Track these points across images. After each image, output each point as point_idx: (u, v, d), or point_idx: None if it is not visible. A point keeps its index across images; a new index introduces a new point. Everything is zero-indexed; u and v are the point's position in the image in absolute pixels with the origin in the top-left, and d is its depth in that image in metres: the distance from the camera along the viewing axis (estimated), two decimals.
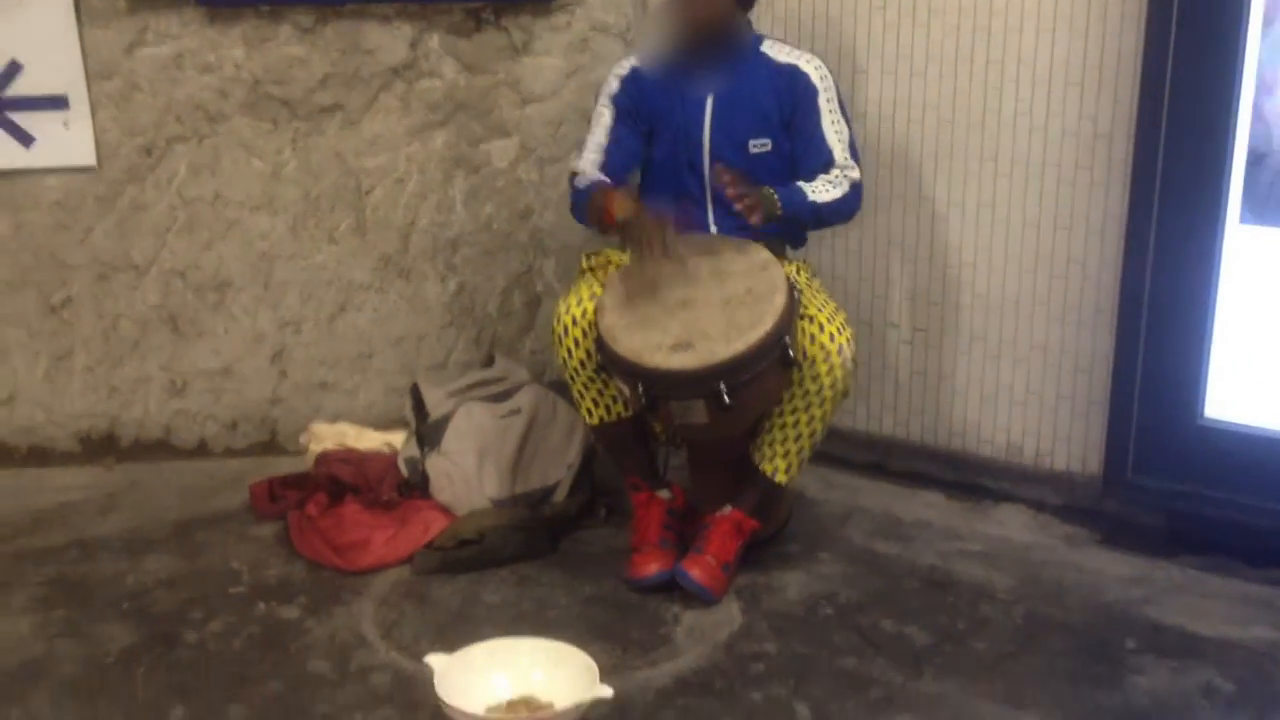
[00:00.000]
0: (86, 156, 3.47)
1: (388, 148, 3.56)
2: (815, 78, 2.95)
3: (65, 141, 3.44)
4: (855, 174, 2.95)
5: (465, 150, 3.59)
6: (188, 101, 3.47)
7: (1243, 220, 2.88)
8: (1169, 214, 2.89)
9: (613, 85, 3.04)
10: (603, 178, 2.96)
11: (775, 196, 2.83)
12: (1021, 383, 3.29)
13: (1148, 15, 2.86)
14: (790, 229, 3.00)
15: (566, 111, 3.57)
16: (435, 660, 2.33)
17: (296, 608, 2.80)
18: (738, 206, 2.74)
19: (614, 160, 2.99)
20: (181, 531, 3.19)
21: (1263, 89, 2.80)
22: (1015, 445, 3.33)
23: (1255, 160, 2.84)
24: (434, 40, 3.50)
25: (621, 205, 2.80)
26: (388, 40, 3.48)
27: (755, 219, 2.75)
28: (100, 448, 3.66)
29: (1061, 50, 3.06)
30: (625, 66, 3.05)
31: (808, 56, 2.99)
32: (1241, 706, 2.41)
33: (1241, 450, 2.88)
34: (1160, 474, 2.99)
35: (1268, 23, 2.76)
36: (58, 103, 3.41)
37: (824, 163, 2.94)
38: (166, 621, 2.75)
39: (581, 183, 2.97)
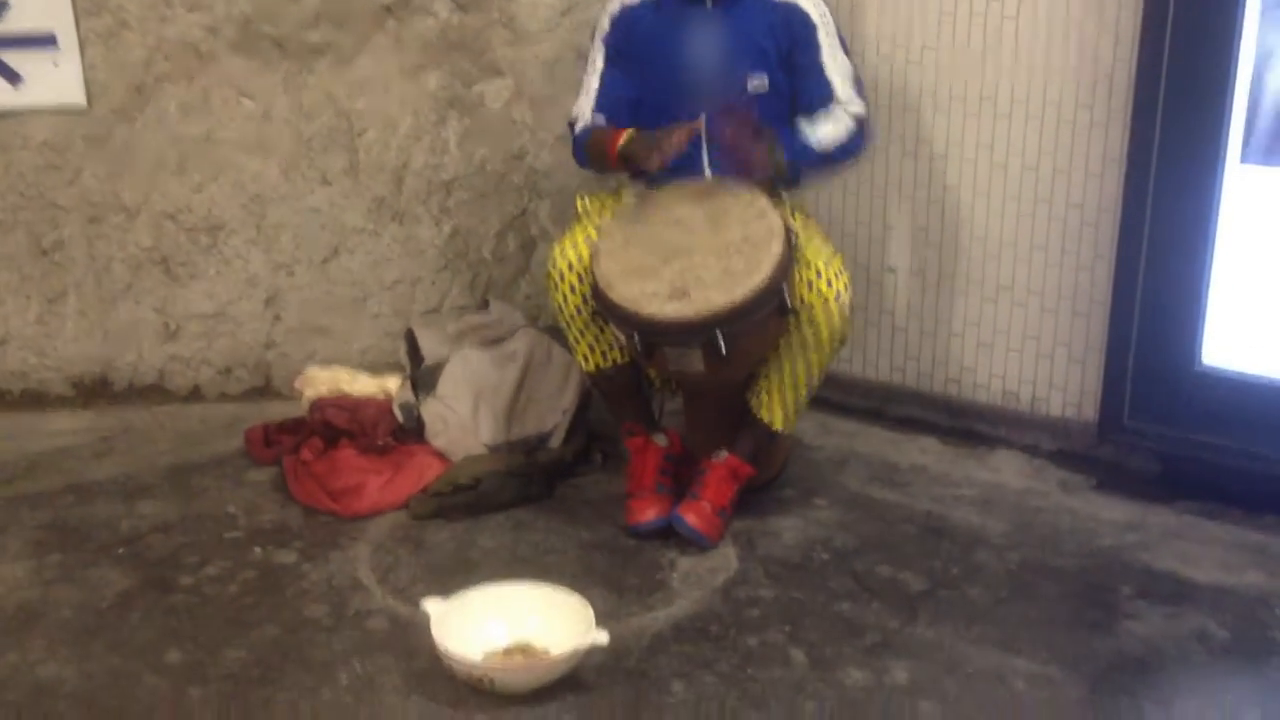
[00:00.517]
0: (76, 95, 3.43)
1: (380, 88, 3.51)
2: (814, 14, 2.91)
3: (54, 80, 3.40)
4: (857, 108, 2.91)
5: (459, 91, 3.54)
6: (178, 40, 3.42)
7: (1243, 160, 2.85)
8: (1169, 155, 2.86)
9: (604, 25, 3.00)
10: (599, 122, 2.94)
11: (778, 146, 2.81)
12: (1019, 327, 3.28)
13: None
14: (793, 175, 2.97)
15: (562, 50, 3.52)
16: (431, 605, 2.34)
17: (292, 552, 2.80)
18: (751, 164, 2.73)
19: (607, 104, 2.96)
20: (176, 476, 3.18)
21: (1267, 27, 2.77)
22: (1011, 391, 3.33)
23: (1255, 101, 2.82)
24: None
25: (626, 135, 2.80)
26: None
27: (758, 174, 2.73)
28: (94, 392, 3.65)
29: None
30: (616, 5, 3.00)
31: None
32: (1235, 653, 2.42)
33: (1237, 397, 2.88)
34: (1156, 420, 2.99)
35: None
36: (46, 41, 3.37)
37: (824, 97, 2.90)
38: (162, 566, 2.75)
39: (579, 128, 2.97)
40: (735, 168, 2.80)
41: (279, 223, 3.57)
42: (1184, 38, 2.78)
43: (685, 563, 2.75)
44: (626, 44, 2.97)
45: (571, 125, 3.00)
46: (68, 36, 3.37)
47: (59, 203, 3.50)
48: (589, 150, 2.94)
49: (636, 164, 2.81)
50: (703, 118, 2.85)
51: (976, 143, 3.23)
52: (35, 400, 3.62)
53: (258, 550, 2.81)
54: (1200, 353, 2.93)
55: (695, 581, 2.68)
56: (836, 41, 2.92)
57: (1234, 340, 2.91)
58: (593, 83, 2.98)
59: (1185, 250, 2.88)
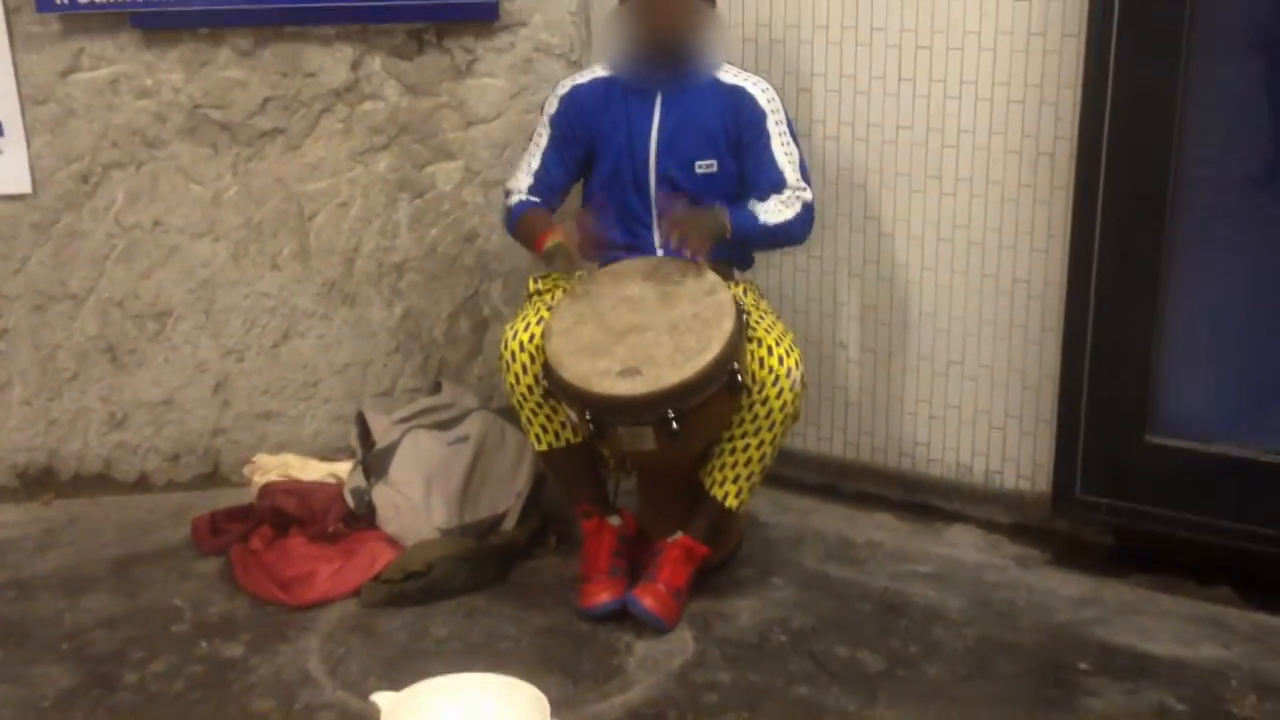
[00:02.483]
0: (21, 184, 3.39)
1: (330, 172, 3.51)
2: (763, 100, 2.95)
3: None
4: (807, 195, 2.95)
5: (409, 173, 3.55)
6: (125, 126, 3.41)
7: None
8: (1112, 232, 2.89)
9: (552, 103, 3.04)
10: (534, 199, 3.01)
11: (724, 216, 2.84)
12: (970, 402, 3.30)
13: (1087, 35, 2.86)
14: (739, 250, 3.00)
15: (511, 133, 3.54)
16: (382, 699, 2.28)
17: (240, 645, 2.75)
18: (674, 244, 2.79)
19: (543, 184, 3.04)
20: (121, 568, 3.12)
21: None
22: (965, 464, 3.33)
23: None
24: (376, 62, 3.46)
25: (552, 238, 2.86)
26: (329, 62, 3.43)
27: (694, 251, 2.77)
28: (38, 482, 3.58)
29: (1003, 69, 3.06)
30: (567, 85, 3.05)
31: (754, 79, 2.99)
32: None
33: (1188, 468, 2.89)
34: (1108, 492, 3.00)
35: None
36: None
37: (775, 183, 2.93)
38: (106, 662, 2.68)
39: (514, 201, 3.04)
40: (682, 247, 2.82)
41: (228, 307, 3.55)
42: (1123, 117, 2.82)
43: (641, 647, 2.72)
44: (573, 124, 3.00)
45: (506, 195, 3.06)
46: (13, 125, 3.35)
47: (4, 291, 3.45)
48: (519, 229, 3.02)
49: (551, 267, 2.91)
50: (648, 203, 2.92)
51: (923, 219, 3.26)
52: None
53: (205, 644, 2.75)
54: (1150, 424, 2.95)
55: (652, 666, 2.65)
56: (786, 128, 2.96)
57: (1184, 411, 2.93)
58: (533, 161, 3.04)
59: (1131, 323, 2.91)
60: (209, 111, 3.42)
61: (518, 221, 3.01)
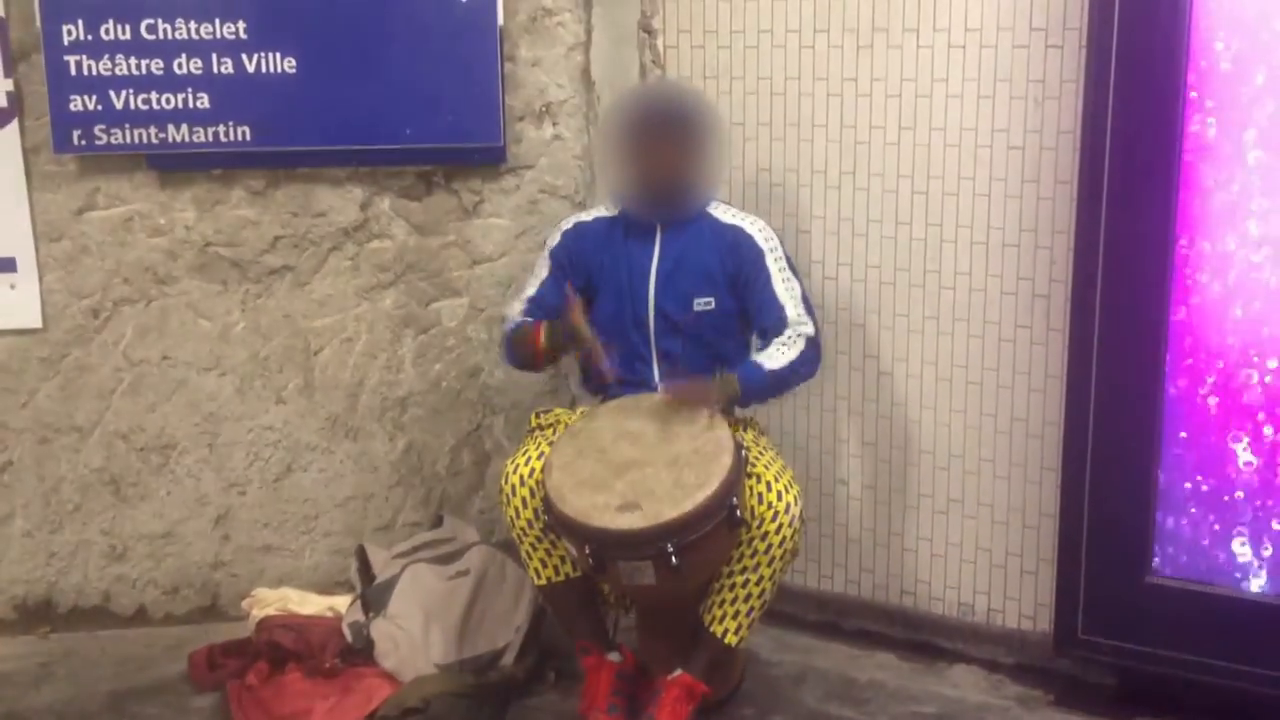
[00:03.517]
0: (32, 319, 3.45)
1: (337, 308, 3.57)
2: (760, 239, 3.01)
3: (10, 303, 3.42)
4: (809, 329, 2.97)
5: (415, 310, 3.60)
6: (137, 263, 3.48)
7: None
8: (1108, 372, 2.92)
9: (555, 238, 3.11)
10: (526, 320, 3.06)
11: (732, 382, 2.89)
12: (970, 540, 3.30)
13: (1079, 181, 2.94)
14: (749, 400, 3.02)
15: (516, 271, 3.60)
16: None
17: None
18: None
19: (538, 308, 3.07)
20: (117, 703, 3.09)
21: None
22: (966, 603, 3.32)
23: None
24: (385, 203, 3.55)
25: (546, 326, 2.95)
26: (339, 202, 3.52)
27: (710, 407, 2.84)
28: (36, 615, 3.56)
29: (998, 213, 3.14)
30: (570, 222, 3.12)
31: (751, 218, 3.05)
32: None
33: (1192, 608, 2.88)
34: (1110, 632, 2.97)
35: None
36: (4, 265, 3.41)
37: (777, 321, 2.97)
38: None
39: (507, 325, 3.10)
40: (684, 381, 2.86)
41: (232, 441, 3.57)
42: (1116, 261, 2.87)
43: None
44: (573, 257, 3.06)
45: (503, 323, 3.15)
46: (26, 260, 3.42)
47: (10, 424, 3.49)
48: (514, 345, 3.06)
49: (560, 349, 2.96)
50: (647, 339, 2.98)
51: (921, 358, 3.30)
52: None
53: None
54: (1151, 564, 2.94)
55: None
56: (785, 265, 3.01)
57: (1187, 550, 2.93)
58: (529, 290, 3.10)
59: (1131, 462, 2.92)
60: (220, 249, 3.50)
61: (511, 337, 3.07)
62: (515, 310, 3.10)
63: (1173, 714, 2.93)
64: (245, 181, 3.47)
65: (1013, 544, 3.23)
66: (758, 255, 3.00)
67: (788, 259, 3.03)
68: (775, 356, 2.93)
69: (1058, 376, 3.09)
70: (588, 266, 3.05)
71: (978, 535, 3.28)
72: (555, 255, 3.08)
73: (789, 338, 2.95)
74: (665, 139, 2.92)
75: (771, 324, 2.98)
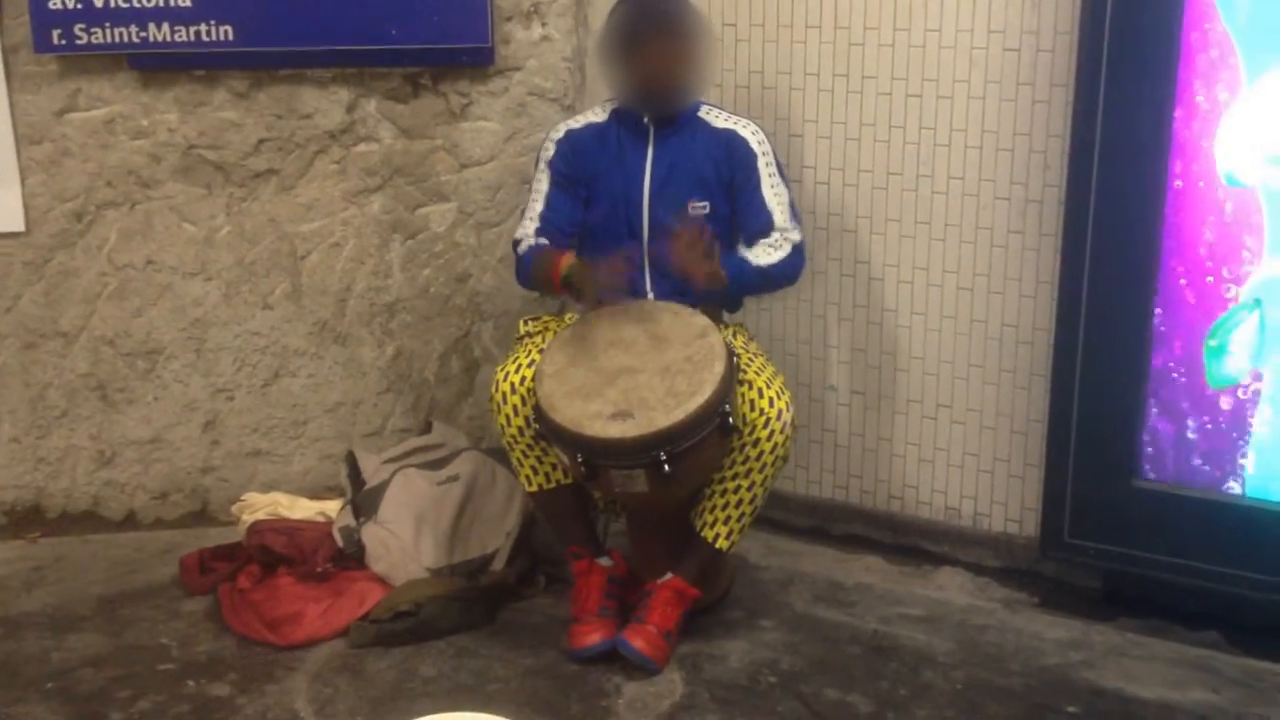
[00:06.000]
0: (15, 222, 3.41)
1: (324, 212, 3.53)
2: (753, 143, 2.98)
3: None
4: (796, 236, 2.97)
5: (402, 215, 3.57)
6: (120, 166, 3.43)
7: None
8: (1100, 278, 2.92)
9: (548, 149, 3.05)
10: (544, 242, 2.97)
11: (723, 262, 2.85)
12: (958, 445, 3.31)
13: (1076, 82, 2.91)
14: (732, 296, 3.01)
15: (505, 175, 3.57)
16: None
17: (227, 685, 2.73)
18: (699, 278, 2.76)
19: (553, 226, 3.00)
20: (108, 607, 3.10)
21: None
22: (953, 507, 3.34)
23: None
24: (371, 105, 3.49)
25: (567, 262, 2.84)
26: (324, 104, 3.46)
27: (704, 291, 2.79)
28: (26, 520, 3.57)
29: (992, 117, 3.10)
30: (561, 130, 3.07)
31: (744, 122, 3.02)
32: None
33: (1177, 512, 2.90)
34: (1096, 536, 3.00)
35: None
36: None
37: (764, 225, 2.96)
38: (92, 701, 2.67)
39: (523, 249, 3.00)
40: (676, 287, 2.84)
41: (219, 346, 3.55)
42: (1111, 164, 2.85)
43: (631, 688, 2.71)
44: (570, 167, 3.01)
45: (515, 246, 3.03)
46: (8, 163, 3.37)
47: None
48: (533, 272, 2.97)
49: (576, 295, 2.87)
50: (641, 246, 2.92)
51: (913, 264, 3.29)
52: None
53: (192, 683, 2.74)
54: (1138, 468, 2.96)
55: (641, 708, 2.64)
56: (776, 170, 2.99)
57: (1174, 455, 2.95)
58: (537, 206, 3.02)
59: (1119, 368, 2.93)
60: (204, 152, 3.45)
61: (530, 264, 2.96)
62: (529, 230, 3.00)
63: (1157, 617, 2.97)
64: (228, 83, 3.41)
65: (1000, 449, 3.25)
66: (751, 159, 2.97)
67: (779, 165, 3.00)
68: (761, 255, 2.94)
69: (1049, 282, 3.08)
70: (585, 174, 3.01)
71: (965, 440, 3.30)
72: (555, 166, 3.02)
73: (775, 240, 2.95)
74: (657, 39, 2.88)
75: (758, 229, 2.97)
